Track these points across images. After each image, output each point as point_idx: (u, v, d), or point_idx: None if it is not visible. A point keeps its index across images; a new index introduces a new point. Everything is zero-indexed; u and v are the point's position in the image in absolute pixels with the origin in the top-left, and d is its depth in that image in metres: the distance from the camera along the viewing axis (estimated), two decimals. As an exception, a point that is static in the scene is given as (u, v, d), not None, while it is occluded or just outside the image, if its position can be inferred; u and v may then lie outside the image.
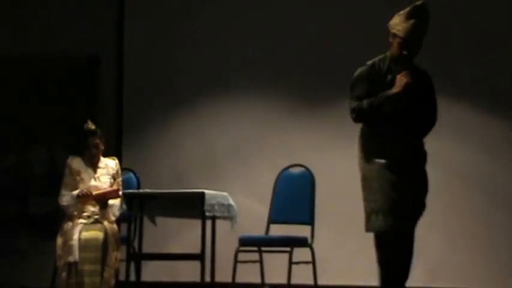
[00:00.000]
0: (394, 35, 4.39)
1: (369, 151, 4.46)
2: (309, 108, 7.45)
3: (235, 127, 7.55)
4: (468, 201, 6.84)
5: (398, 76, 4.32)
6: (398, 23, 4.34)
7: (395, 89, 4.33)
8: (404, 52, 4.32)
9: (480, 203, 6.90)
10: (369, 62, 4.49)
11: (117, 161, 6.25)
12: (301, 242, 5.90)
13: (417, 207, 4.39)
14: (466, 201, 6.83)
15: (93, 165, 6.10)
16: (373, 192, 4.37)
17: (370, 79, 4.42)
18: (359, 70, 4.49)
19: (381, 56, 4.50)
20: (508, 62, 6.91)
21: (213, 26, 7.70)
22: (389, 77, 4.38)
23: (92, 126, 6.07)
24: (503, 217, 6.81)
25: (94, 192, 5.92)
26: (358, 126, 6.43)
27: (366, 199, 4.41)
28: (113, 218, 5.96)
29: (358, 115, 4.42)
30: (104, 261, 5.69)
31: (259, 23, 7.61)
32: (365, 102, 4.37)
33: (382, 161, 4.37)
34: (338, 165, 7.13)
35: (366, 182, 4.41)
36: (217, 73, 7.65)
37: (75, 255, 5.62)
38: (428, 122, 4.55)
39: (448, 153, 6.71)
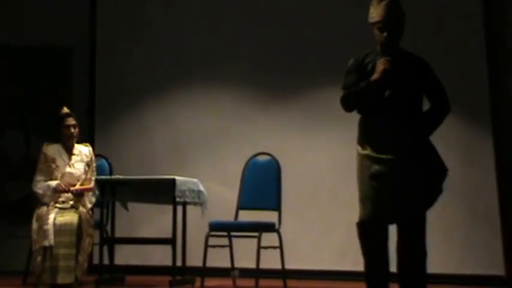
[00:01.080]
0: (373, 24, 4.28)
1: (359, 140, 4.31)
2: (276, 99, 7.41)
3: (206, 116, 7.49)
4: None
5: (377, 63, 4.20)
6: (372, 11, 4.26)
7: (374, 76, 4.20)
8: (385, 34, 4.18)
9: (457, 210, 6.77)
10: (357, 56, 4.41)
11: (90, 147, 6.29)
12: (269, 227, 5.84)
13: (411, 196, 4.12)
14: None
15: (69, 151, 6.11)
16: (358, 182, 4.25)
17: (358, 71, 4.30)
18: (349, 62, 4.38)
19: (369, 50, 4.39)
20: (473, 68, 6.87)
21: (183, 16, 7.67)
22: (370, 66, 4.28)
23: (67, 110, 6.13)
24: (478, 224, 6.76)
25: (71, 188, 5.96)
26: (325, 117, 6.82)
27: (358, 189, 4.28)
28: (89, 205, 6.01)
29: (343, 103, 4.31)
30: (78, 245, 5.68)
31: (228, 13, 7.58)
32: (349, 91, 4.28)
33: (367, 151, 4.22)
34: (303, 154, 7.17)
35: (357, 172, 4.28)
36: (188, 63, 7.63)
37: (51, 240, 5.60)
38: (436, 109, 4.34)
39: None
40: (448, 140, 6.28)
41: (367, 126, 4.23)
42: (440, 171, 4.18)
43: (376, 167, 4.09)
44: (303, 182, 7.07)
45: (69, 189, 5.94)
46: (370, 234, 4.13)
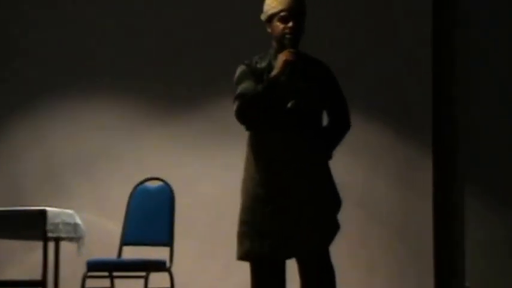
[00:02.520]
0: (272, 17, 4.00)
1: (247, 160, 4.07)
2: (167, 115, 7.19)
3: (86, 134, 7.21)
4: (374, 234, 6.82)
5: (279, 55, 3.90)
6: (271, 2, 4.02)
7: (275, 71, 3.88)
8: (290, 24, 3.92)
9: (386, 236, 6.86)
10: (246, 61, 4.11)
11: None
12: (159, 266, 5.70)
13: (306, 230, 3.89)
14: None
15: None
16: (241, 210, 4.02)
17: (254, 75, 4.02)
18: (238, 70, 4.10)
19: (261, 54, 4.12)
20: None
21: (58, 25, 7.39)
22: (266, 73, 3.99)
23: None
24: (408, 250, 6.81)
25: None
26: (229, 133, 6.55)
27: (239, 219, 4.04)
28: None
29: (239, 114, 3.95)
30: None
31: (110, 20, 7.34)
32: (245, 98, 3.94)
33: (254, 172, 3.99)
34: (202, 179, 7.02)
35: (241, 196, 4.04)
36: (58, 74, 7.31)
37: None
38: (335, 126, 4.14)
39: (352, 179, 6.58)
40: (380, 156, 6.62)
41: (257, 143, 4.01)
42: (335, 202, 4.02)
43: (262, 191, 3.91)
44: (201, 212, 6.89)
45: None
46: (258, 273, 3.98)
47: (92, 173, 7.15)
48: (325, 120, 4.08)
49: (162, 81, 7.19)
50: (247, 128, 4.01)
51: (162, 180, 6.07)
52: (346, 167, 6.40)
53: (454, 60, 6.86)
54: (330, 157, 4.07)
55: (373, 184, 6.82)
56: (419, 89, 6.91)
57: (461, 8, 6.78)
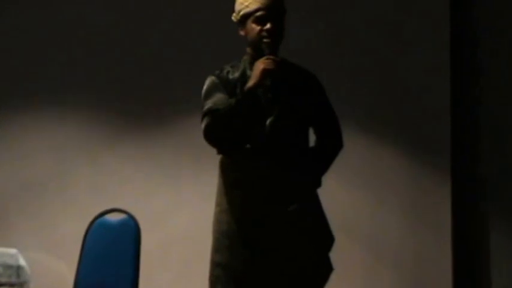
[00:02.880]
0: (245, 18, 3.73)
1: (219, 191, 3.80)
2: (131, 135, 6.69)
3: (28, 160, 6.74)
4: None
5: (255, 64, 3.65)
6: (243, 1, 3.78)
7: (249, 82, 3.64)
8: (267, 26, 3.65)
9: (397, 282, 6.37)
10: (216, 72, 3.86)
11: None
12: None
13: (292, 275, 3.68)
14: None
15: None
16: (213, 250, 3.78)
17: (225, 88, 3.78)
18: (207, 82, 3.83)
19: (233, 63, 3.87)
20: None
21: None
22: (239, 84, 3.75)
23: None
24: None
25: None
26: (199, 159, 6.30)
27: (211, 260, 3.79)
28: None
29: (209, 133, 3.66)
30: None
31: (62, 30, 6.96)
32: (217, 114, 3.70)
33: (228, 203, 3.74)
34: (171, 210, 6.53)
35: (213, 236, 3.78)
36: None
37: None
38: (325, 146, 3.89)
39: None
40: (389, 184, 6.14)
41: (231, 169, 3.77)
42: (327, 240, 3.83)
43: (238, 229, 3.70)
44: (173, 250, 6.43)
45: None
46: None
47: (39, 204, 6.67)
48: (311, 140, 3.84)
49: (125, 96, 6.74)
50: (219, 151, 3.74)
51: (125, 212, 5.45)
52: (348, 197, 6.11)
53: (477, 77, 6.48)
54: (319, 184, 3.80)
55: (381, 219, 6.43)
56: (436, 102, 6.37)
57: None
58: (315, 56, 5.92)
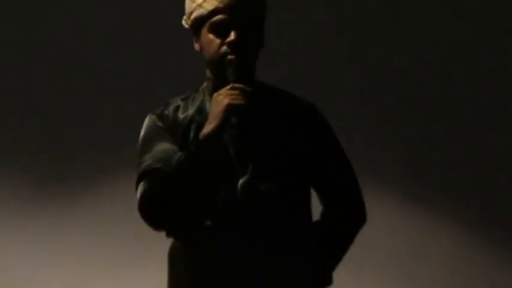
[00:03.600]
0: (199, 24, 2.76)
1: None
2: (43, 204, 5.34)
3: None
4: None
5: (214, 98, 2.76)
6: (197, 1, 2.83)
7: (206, 127, 2.73)
8: (231, 37, 2.72)
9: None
10: (157, 111, 2.94)
11: None
12: None
13: None
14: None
15: None
16: None
17: (171, 134, 2.87)
18: (144, 125, 2.91)
19: (185, 94, 2.94)
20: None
21: None
22: (194, 125, 2.85)
23: None
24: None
25: None
26: (140, 239, 4.86)
27: None
28: None
29: (147, 205, 2.74)
30: None
31: None
32: (160, 175, 2.80)
33: None
34: None
35: None
36: None
37: None
38: (339, 218, 2.96)
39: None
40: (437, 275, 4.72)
41: (186, 259, 2.82)
42: None
43: None
44: None
45: None
46: None
47: None
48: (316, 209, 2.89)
49: (49, 150, 5.33)
50: (168, 233, 2.87)
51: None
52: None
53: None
54: (329, 282, 2.96)
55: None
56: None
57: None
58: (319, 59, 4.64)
